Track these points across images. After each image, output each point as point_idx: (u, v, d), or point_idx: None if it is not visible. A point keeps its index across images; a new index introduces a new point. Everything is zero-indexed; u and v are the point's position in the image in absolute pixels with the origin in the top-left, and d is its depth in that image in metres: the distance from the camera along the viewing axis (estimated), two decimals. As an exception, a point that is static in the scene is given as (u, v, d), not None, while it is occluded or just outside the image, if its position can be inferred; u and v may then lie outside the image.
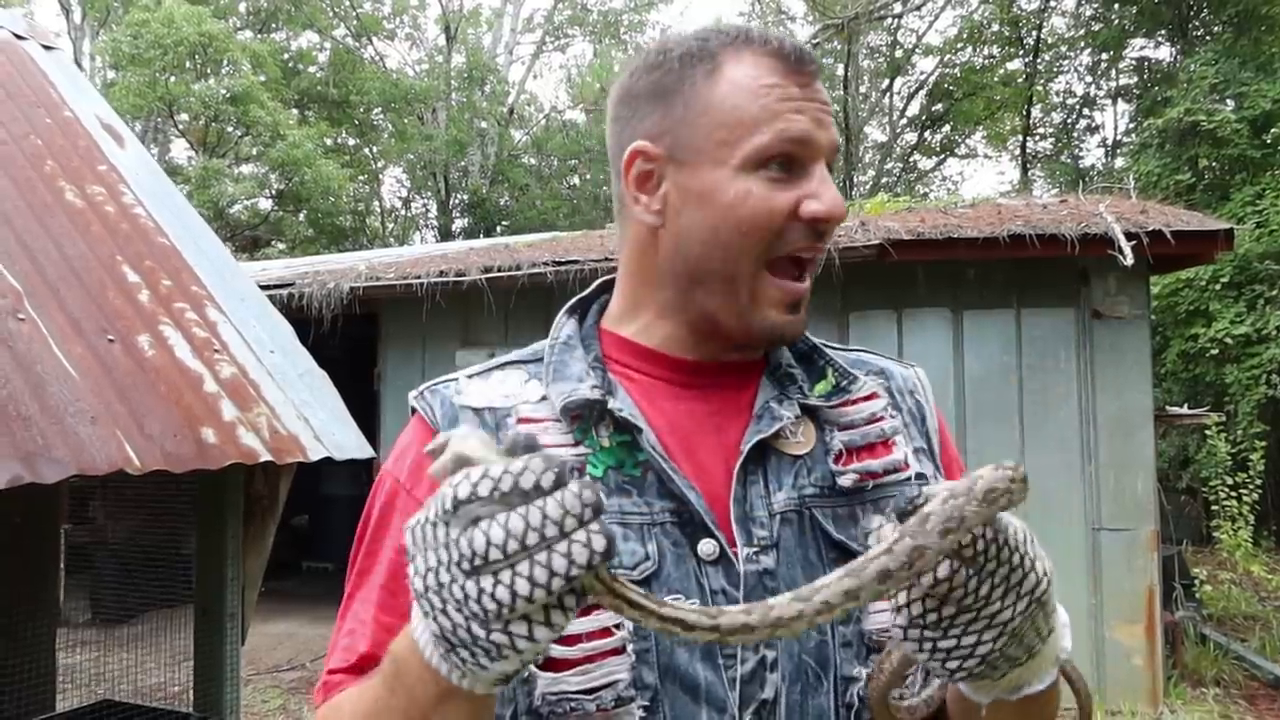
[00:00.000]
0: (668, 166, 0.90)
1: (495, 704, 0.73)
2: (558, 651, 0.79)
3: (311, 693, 6.07)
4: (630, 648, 0.81)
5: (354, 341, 7.62)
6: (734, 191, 0.86)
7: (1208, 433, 8.94)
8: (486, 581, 0.59)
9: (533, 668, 0.80)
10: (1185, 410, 8.06)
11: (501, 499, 0.59)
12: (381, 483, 0.94)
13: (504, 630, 0.60)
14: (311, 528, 10.23)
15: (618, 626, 0.81)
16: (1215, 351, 9.39)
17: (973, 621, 0.67)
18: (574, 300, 1.02)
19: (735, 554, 0.84)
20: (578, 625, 0.80)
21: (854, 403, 0.95)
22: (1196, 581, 6.89)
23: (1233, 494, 8.14)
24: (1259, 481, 8.29)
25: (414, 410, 0.96)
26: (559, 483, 0.59)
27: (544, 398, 0.91)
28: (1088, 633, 5.55)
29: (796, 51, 0.89)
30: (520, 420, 0.90)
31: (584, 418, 0.89)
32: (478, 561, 0.59)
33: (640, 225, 0.93)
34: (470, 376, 0.96)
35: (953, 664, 0.69)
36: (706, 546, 0.84)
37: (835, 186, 0.88)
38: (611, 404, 0.88)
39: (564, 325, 0.98)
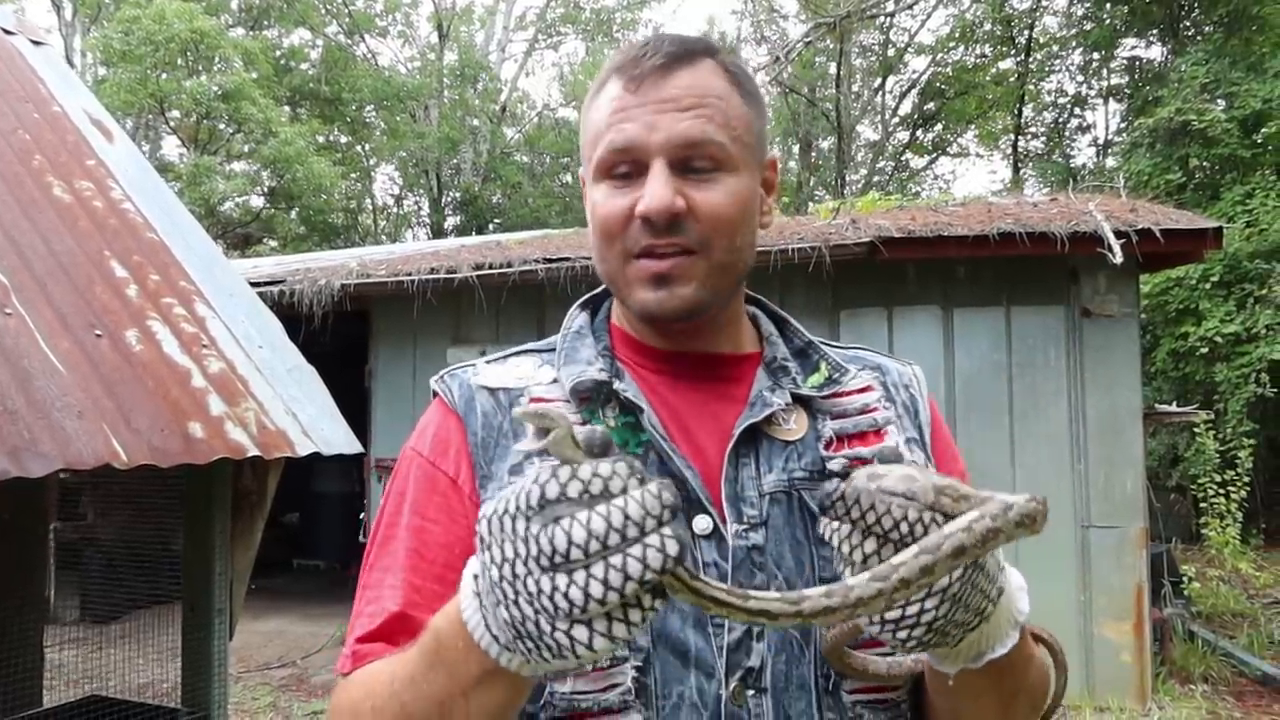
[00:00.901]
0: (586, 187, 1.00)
1: (532, 685, 0.74)
2: None
3: (301, 690, 6.06)
4: None
5: (345, 339, 7.61)
6: (591, 202, 0.96)
7: (1196, 431, 8.98)
8: (561, 580, 0.60)
9: None
10: (1174, 408, 8.09)
11: (589, 501, 0.60)
12: (406, 459, 0.99)
13: (568, 630, 0.61)
14: (302, 525, 10.22)
15: None
16: (1205, 350, 9.42)
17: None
18: (586, 296, 1.09)
19: (726, 531, 0.90)
20: None
21: (848, 394, 1.00)
22: (1185, 579, 6.91)
23: (1221, 492, 8.17)
24: (1247, 479, 8.33)
25: (435, 394, 1.02)
26: (636, 482, 0.61)
27: (555, 380, 0.98)
28: (1077, 629, 5.58)
29: (641, 61, 0.93)
30: (533, 399, 0.96)
31: (591, 399, 0.95)
32: (557, 559, 0.60)
33: None
34: (488, 362, 1.03)
35: (902, 634, 0.71)
36: (701, 522, 0.90)
37: (665, 181, 0.89)
38: (618, 385, 0.94)
39: (576, 317, 1.05)
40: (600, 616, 0.60)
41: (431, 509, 0.93)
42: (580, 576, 0.59)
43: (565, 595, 0.59)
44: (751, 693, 0.87)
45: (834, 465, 0.94)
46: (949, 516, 0.69)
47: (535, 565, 0.61)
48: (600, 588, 0.59)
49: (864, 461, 0.94)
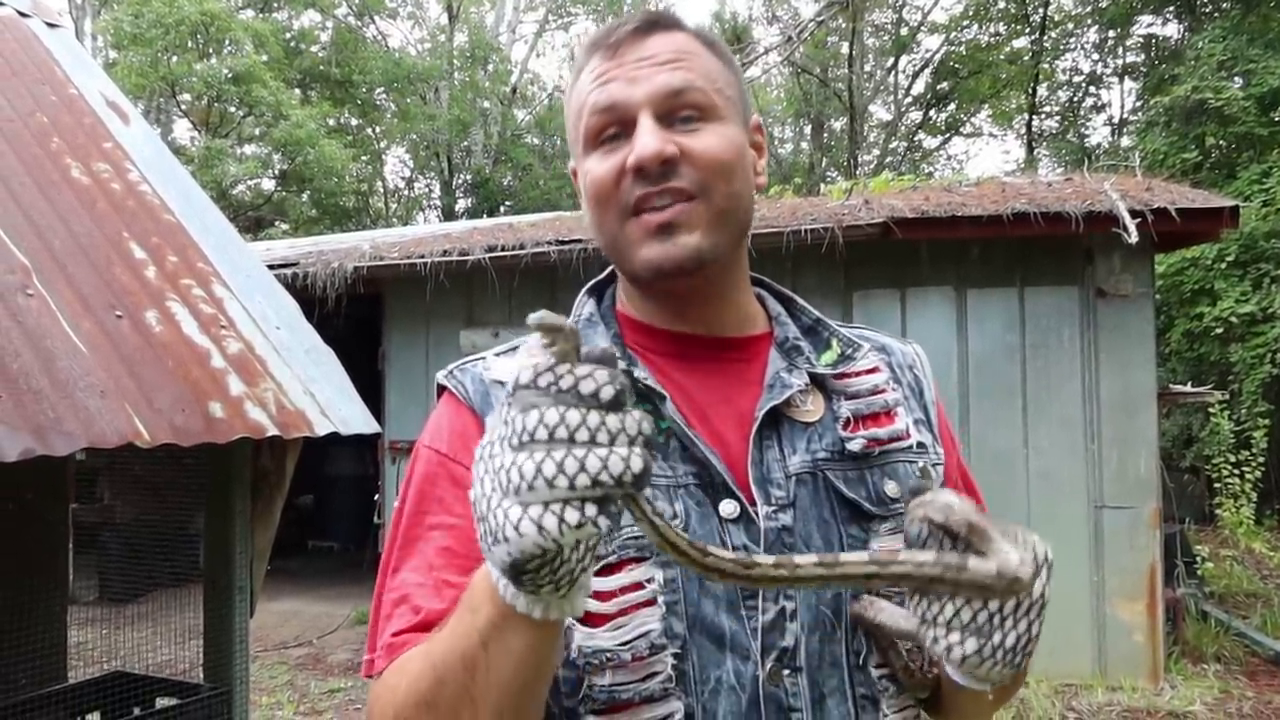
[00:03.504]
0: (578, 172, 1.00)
1: (554, 651, 0.74)
2: (593, 606, 0.83)
3: (317, 668, 6.10)
4: (661, 599, 0.86)
5: (358, 321, 7.64)
6: (583, 173, 0.96)
7: (1211, 411, 8.95)
8: (521, 456, 0.62)
9: (570, 620, 0.82)
10: (1189, 389, 8.06)
11: (557, 395, 0.62)
12: (422, 457, 0.96)
13: (506, 509, 0.62)
14: (316, 507, 10.29)
15: (649, 580, 0.86)
16: (1220, 330, 9.37)
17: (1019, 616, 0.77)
18: (591, 283, 1.07)
19: (755, 513, 0.90)
20: (613, 581, 0.85)
21: (858, 374, 1.00)
22: (1198, 559, 6.91)
23: (1235, 472, 8.16)
24: (1261, 460, 8.32)
25: (442, 389, 0.99)
26: (617, 399, 0.62)
27: None
28: (1090, 609, 5.58)
29: (615, 31, 0.94)
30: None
31: None
32: (524, 438, 0.62)
33: None
34: (497, 354, 1.00)
35: (999, 669, 0.77)
36: (728, 506, 0.89)
37: (654, 129, 0.89)
38: (636, 373, 0.92)
39: (585, 304, 1.04)
40: (538, 503, 0.61)
41: (459, 505, 0.90)
42: (539, 455, 0.61)
43: (519, 470, 0.61)
44: (787, 672, 0.87)
45: (853, 446, 0.94)
46: (968, 548, 0.77)
47: (506, 446, 0.63)
48: (552, 467, 0.60)
49: (880, 442, 0.96)
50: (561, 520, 0.60)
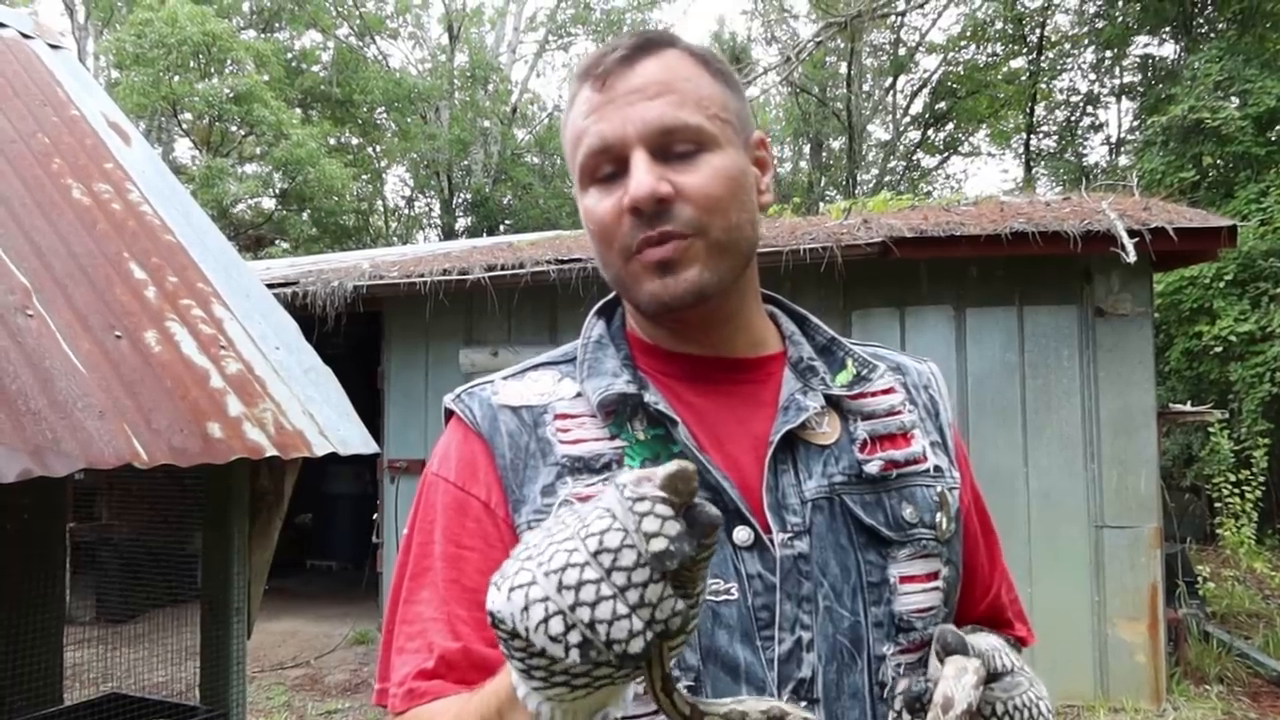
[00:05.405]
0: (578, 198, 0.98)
1: None
2: None
3: (315, 689, 6.06)
4: None
5: (357, 340, 7.64)
6: (583, 210, 0.95)
7: (1211, 430, 8.94)
8: (576, 548, 0.62)
9: None
10: (1188, 408, 8.05)
11: (627, 517, 0.61)
12: (430, 485, 0.95)
13: (530, 576, 0.62)
14: (315, 526, 10.26)
15: None
16: (1219, 349, 9.37)
17: None
18: (601, 303, 1.05)
19: (770, 540, 0.88)
20: None
21: (874, 395, 0.98)
22: (1200, 579, 6.88)
23: (1236, 491, 8.14)
24: (1262, 479, 8.29)
25: (449, 414, 0.98)
26: (671, 569, 0.60)
27: (579, 394, 0.94)
28: (1091, 630, 5.56)
29: (604, 59, 0.92)
30: (557, 416, 0.93)
31: (618, 412, 0.92)
32: (584, 531, 0.62)
33: None
34: (505, 378, 0.99)
35: None
36: (742, 534, 0.87)
37: (647, 168, 0.87)
38: (647, 398, 0.91)
39: (594, 325, 1.01)
40: (542, 599, 0.61)
41: (466, 536, 0.89)
42: (579, 557, 0.61)
43: (566, 563, 0.61)
44: (804, 704, 0.85)
45: (870, 469, 0.92)
46: None
47: (576, 519, 0.64)
48: (574, 588, 0.60)
49: (897, 465, 0.94)
50: (545, 625, 0.60)
